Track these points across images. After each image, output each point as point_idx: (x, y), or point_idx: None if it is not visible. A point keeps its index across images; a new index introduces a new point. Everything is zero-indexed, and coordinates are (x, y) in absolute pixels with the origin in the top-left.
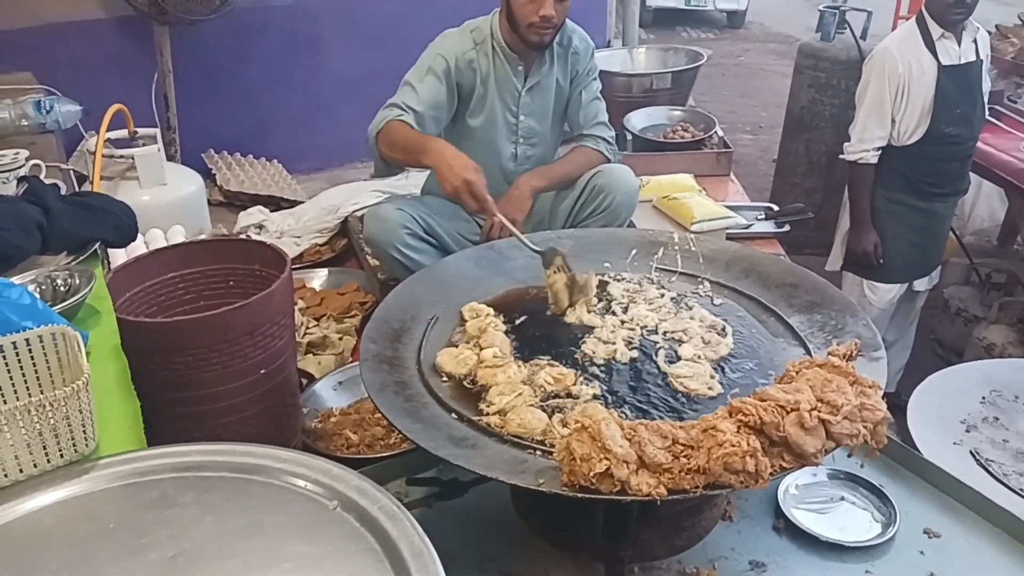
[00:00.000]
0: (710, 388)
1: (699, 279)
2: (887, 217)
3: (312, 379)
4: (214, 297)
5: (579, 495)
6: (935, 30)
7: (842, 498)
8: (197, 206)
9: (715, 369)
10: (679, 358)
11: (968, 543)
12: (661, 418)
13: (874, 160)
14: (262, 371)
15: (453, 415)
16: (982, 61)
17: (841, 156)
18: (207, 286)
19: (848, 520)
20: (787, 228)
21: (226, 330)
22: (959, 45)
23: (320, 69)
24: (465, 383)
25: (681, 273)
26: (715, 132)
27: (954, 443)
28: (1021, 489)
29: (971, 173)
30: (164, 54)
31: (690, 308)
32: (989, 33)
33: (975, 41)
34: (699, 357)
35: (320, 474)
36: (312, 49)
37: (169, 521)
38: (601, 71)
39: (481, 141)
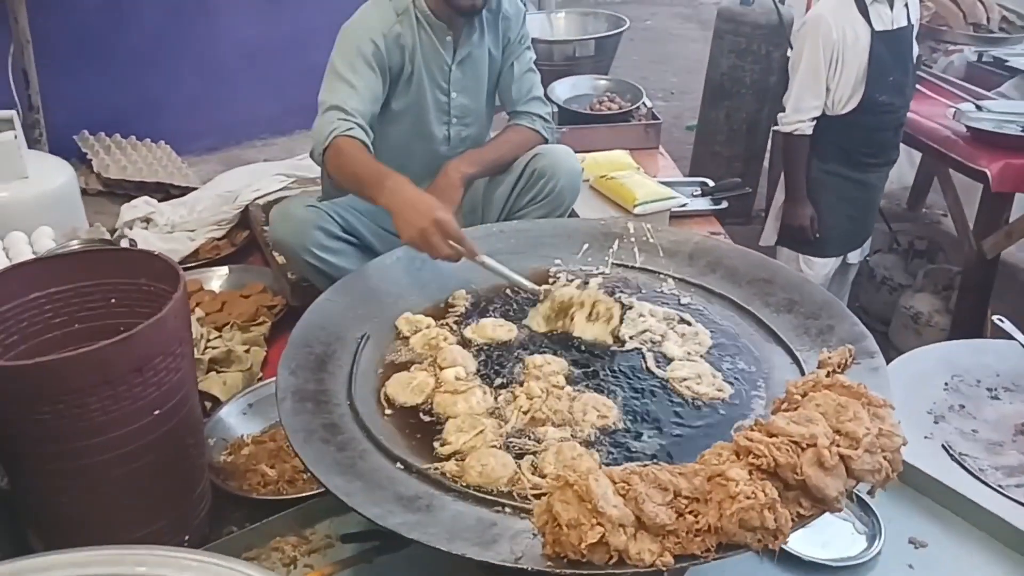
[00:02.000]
0: (720, 390)
1: (661, 275)
2: (823, 189)
3: (217, 403)
4: (92, 319)
5: (567, 571)
6: None
7: None
8: (68, 200)
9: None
10: (669, 360)
11: (956, 553)
12: (681, 436)
13: (809, 131)
14: (156, 412)
15: (399, 465)
16: (913, 26)
17: (775, 128)
18: (82, 306)
19: (830, 533)
20: (725, 205)
21: (105, 369)
22: (891, 10)
23: (212, 36)
24: (420, 413)
25: (641, 269)
26: (643, 102)
27: (925, 437)
28: (999, 486)
29: None
30: (20, 20)
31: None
32: None
33: (906, 5)
34: (690, 354)
35: None
36: (202, 13)
37: None
38: None
39: (409, 125)
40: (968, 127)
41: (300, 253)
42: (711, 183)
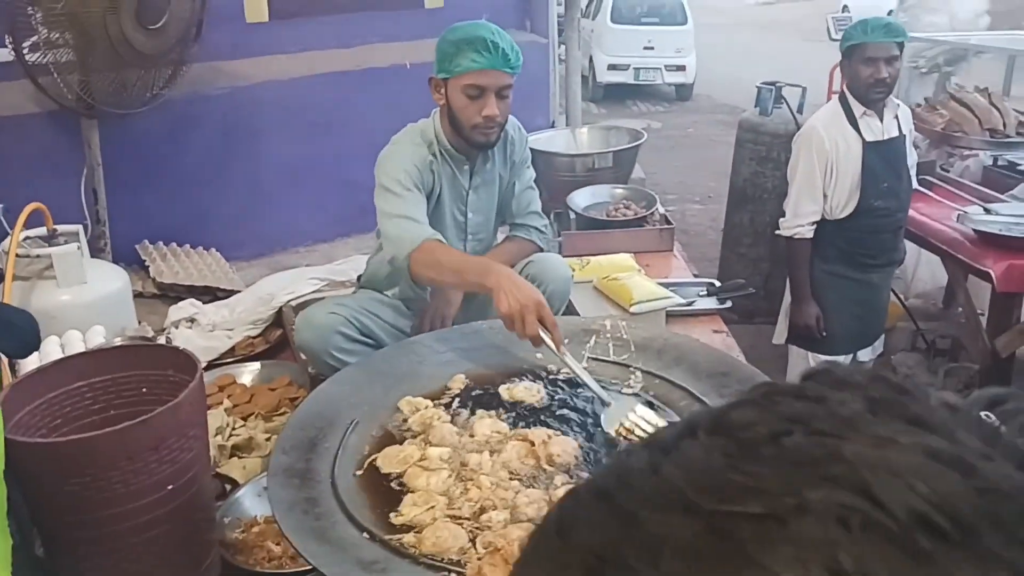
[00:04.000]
0: None
1: (631, 368)
2: (827, 289)
3: (236, 485)
4: (125, 406)
5: None
6: (857, 108)
7: None
8: (121, 304)
9: None
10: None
11: None
12: None
13: (809, 234)
14: (169, 487)
15: (365, 534)
16: (904, 136)
17: (777, 232)
18: (118, 394)
19: None
20: (729, 304)
21: (127, 447)
22: (881, 122)
23: (258, 156)
24: (392, 483)
25: (613, 363)
26: (656, 208)
27: None
28: None
29: (911, 241)
30: (92, 147)
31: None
32: (919, 106)
33: (896, 117)
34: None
35: None
36: (250, 136)
37: None
38: (545, 151)
39: None
40: (975, 230)
41: (322, 356)
42: (717, 283)
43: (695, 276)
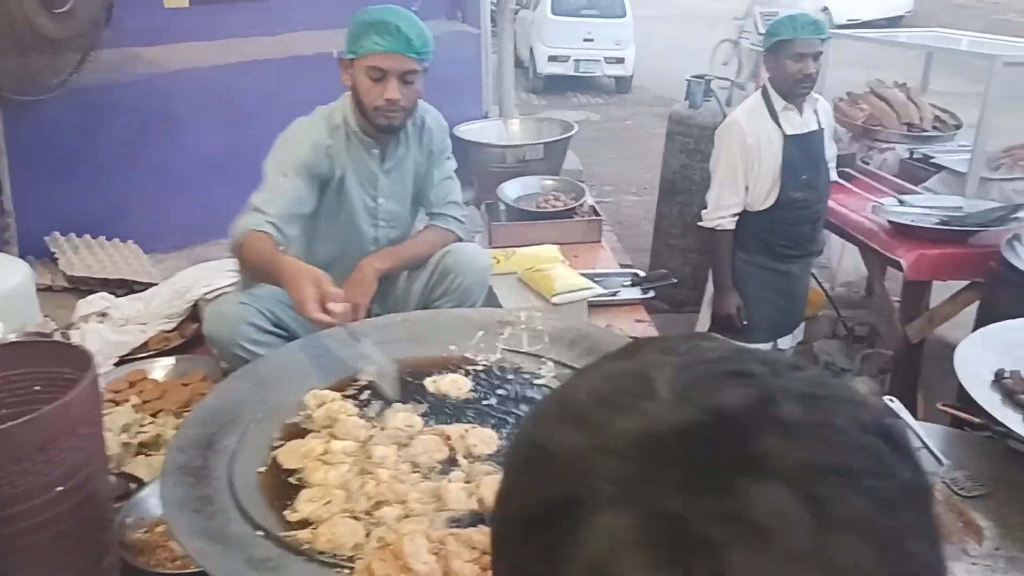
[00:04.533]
0: None
1: (543, 359)
2: (748, 279)
3: (141, 484)
4: (17, 404)
5: None
6: (778, 103)
7: None
8: (23, 298)
9: None
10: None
11: None
12: None
13: (731, 226)
14: (59, 488)
15: (259, 532)
16: (823, 130)
17: (700, 224)
18: (11, 393)
19: None
20: (652, 294)
21: (13, 447)
22: (801, 115)
23: (177, 145)
24: (290, 478)
25: (526, 353)
26: (585, 200)
27: None
28: None
29: (832, 232)
30: None
31: None
32: (841, 100)
33: (816, 111)
34: None
35: None
36: (168, 125)
37: None
38: (476, 142)
39: (343, 226)
40: (888, 220)
41: (231, 348)
42: (641, 274)
43: (623, 266)
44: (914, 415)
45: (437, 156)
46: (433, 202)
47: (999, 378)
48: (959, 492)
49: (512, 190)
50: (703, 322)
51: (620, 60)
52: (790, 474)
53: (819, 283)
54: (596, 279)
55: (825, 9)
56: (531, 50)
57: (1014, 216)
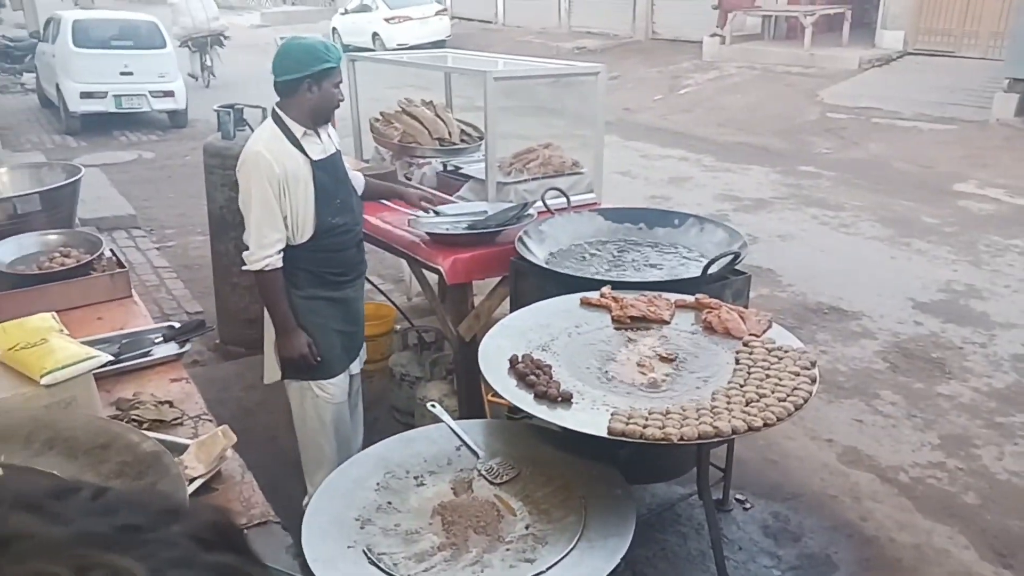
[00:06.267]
0: None
1: None
2: (309, 315)
3: None
4: None
5: None
6: (297, 129)
7: None
8: None
9: None
10: None
11: None
12: None
13: (279, 264)
14: None
15: None
16: (339, 151)
17: (244, 268)
18: None
19: None
20: (189, 347)
21: None
22: (321, 139)
23: None
24: None
25: None
26: (103, 252)
27: (348, 546)
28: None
29: (381, 248)
30: None
31: None
32: (376, 120)
33: (329, 134)
34: None
35: None
36: None
37: None
38: None
39: None
40: (427, 232)
41: None
42: (176, 326)
43: (160, 321)
44: (481, 409)
45: None
46: None
47: (513, 364)
48: (493, 481)
49: (5, 253)
50: (272, 371)
51: (169, 93)
52: None
53: (388, 298)
54: (125, 340)
55: (376, 35)
56: (57, 87)
57: (526, 214)
